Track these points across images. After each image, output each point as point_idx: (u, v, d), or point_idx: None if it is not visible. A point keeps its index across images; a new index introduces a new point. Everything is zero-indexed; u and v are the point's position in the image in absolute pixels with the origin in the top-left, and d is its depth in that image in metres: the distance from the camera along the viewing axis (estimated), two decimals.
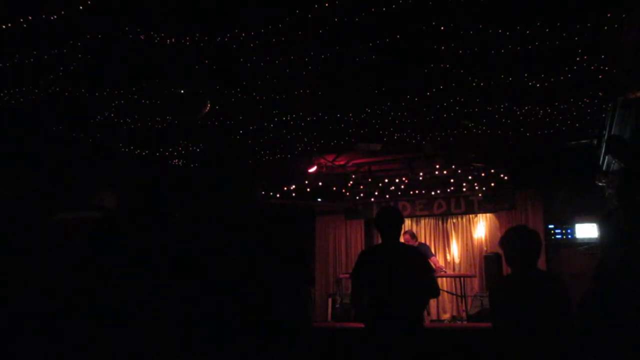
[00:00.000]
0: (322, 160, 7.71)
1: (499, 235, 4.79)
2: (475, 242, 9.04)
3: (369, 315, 3.67)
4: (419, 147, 6.96)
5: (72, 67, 4.24)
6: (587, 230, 7.43)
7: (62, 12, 3.39)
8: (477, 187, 8.01)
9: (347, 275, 7.92)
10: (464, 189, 8.20)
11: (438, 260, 8.49)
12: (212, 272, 2.17)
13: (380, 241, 3.94)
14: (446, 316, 8.67)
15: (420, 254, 3.96)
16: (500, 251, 3.33)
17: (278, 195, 8.19)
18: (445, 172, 7.82)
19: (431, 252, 8.37)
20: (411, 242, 7.99)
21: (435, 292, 3.84)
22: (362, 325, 3.71)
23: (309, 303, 8.16)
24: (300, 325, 2.18)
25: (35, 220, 2.24)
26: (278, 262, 2.18)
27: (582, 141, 6.63)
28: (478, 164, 7.63)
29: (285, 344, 2.11)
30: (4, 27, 3.53)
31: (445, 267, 8.60)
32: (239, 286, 2.13)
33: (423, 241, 9.00)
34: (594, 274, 2.55)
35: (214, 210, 2.33)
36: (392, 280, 3.56)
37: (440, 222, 9.45)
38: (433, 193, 8.39)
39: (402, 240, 7.90)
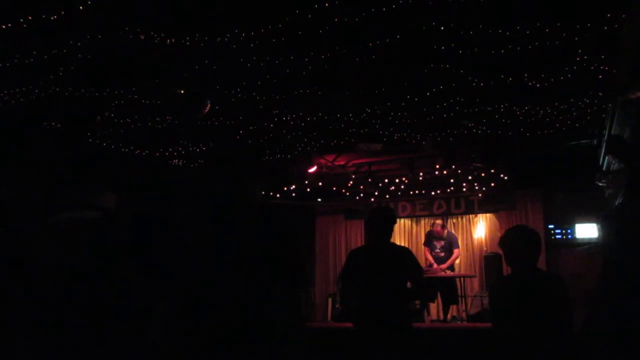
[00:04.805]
0: (322, 160, 7.71)
1: (499, 235, 4.79)
2: (475, 242, 9.03)
3: (356, 315, 3.67)
4: (419, 147, 6.95)
5: (72, 67, 4.25)
6: (587, 230, 7.43)
7: (62, 12, 3.39)
8: (477, 187, 8.00)
9: None
10: (464, 189, 8.20)
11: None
12: (208, 272, 2.17)
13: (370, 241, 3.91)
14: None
15: (409, 254, 3.75)
16: (500, 251, 3.32)
17: (278, 196, 8.19)
18: (445, 172, 7.79)
19: (457, 243, 8.01)
20: (442, 233, 7.86)
21: (424, 292, 3.75)
22: (351, 325, 3.72)
23: (303, 304, 8.15)
24: (295, 326, 2.18)
25: (36, 220, 2.23)
26: (273, 262, 2.17)
27: (582, 141, 6.63)
28: (478, 164, 7.62)
29: (279, 345, 2.11)
30: (4, 27, 3.53)
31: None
32: (234, 286, 2.12)
33: (422, 242, 8.98)
34: (601, 283, 2.48)
35: (212, 211, 2.32)
36: (377, 280, 3.55)
37: None
38: (433, 193, 8.38)
39: (436, 230, 7.81)
